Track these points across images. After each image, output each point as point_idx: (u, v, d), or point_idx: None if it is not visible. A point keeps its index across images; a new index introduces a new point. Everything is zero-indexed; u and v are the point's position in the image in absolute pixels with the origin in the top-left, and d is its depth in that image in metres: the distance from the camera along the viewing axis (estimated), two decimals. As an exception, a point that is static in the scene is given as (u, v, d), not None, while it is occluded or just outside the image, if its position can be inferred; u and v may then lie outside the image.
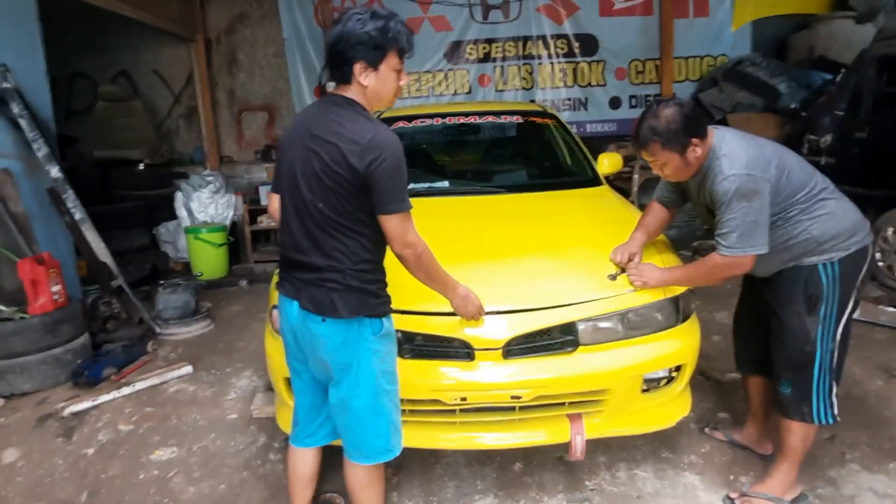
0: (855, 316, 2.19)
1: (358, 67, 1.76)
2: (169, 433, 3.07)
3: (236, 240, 6.66)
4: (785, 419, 2.28)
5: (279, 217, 1.96)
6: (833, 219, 2.13)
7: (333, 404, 1.97)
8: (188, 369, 3.69)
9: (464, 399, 2.27)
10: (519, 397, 2.25)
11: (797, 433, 2.25)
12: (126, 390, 3.43)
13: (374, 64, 1.77)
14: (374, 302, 1.88)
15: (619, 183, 6.80)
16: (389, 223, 1.78)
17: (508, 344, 2.26)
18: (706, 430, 2.84)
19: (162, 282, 4.70)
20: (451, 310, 2.28)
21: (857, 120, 5.01)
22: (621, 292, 2.36)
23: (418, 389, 2.25)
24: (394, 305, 2.03)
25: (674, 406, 2.48)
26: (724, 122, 6.25)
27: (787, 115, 6.12)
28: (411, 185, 3.42)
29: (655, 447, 2.75)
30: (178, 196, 6.57)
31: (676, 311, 2.40)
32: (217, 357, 3.99)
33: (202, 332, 4.46)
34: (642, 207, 6.11)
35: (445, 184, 3.60)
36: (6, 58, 4.17)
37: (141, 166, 7.11)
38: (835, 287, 2.14)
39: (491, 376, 2.26)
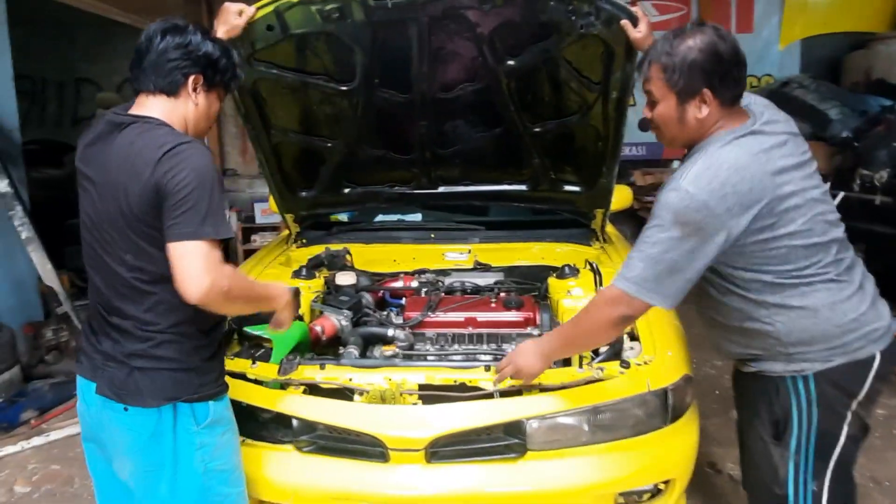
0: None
1: (192, 80, 1.48)
2: (65, 501, 2.62)
3: (227, 259, 6.26)
4: None
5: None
6: (811, 318, 1.49)
7: None
8: (115, 417, 3.25)
9: (374, 513, 1.74)
10: (445, 515, 1.72)
11: None
12: (37, 440, 3.03)
13: (210, 83, 1.52)
14: (196, 381, 1.46)
15: (643, 213, 6.20)
16: (182, 254, 1.33)
17: (434, 444, 1.73)
18: (708, 548, 2.24)
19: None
20: (363, 387, 1.81)
21: (920, 154, 4.32)
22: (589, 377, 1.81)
23: (315, 498, 1.74)
24: (288, 379, 1.69)
25: (660, 529, 1.90)
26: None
27: (837, 144, 5.42)
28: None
29: (640, 570, 2.15)
30: (171, 211, 6.24)
31: (664, 407, 1.82)
32: (158, 401, 3.55)
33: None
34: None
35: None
36: (-41, 61, 3.88)
37: (139, 177, 6.84)
38: (810, 410, 1.53)
39: (409, 486, 1.73)
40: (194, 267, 1.32)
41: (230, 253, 6.34)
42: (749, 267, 1.50)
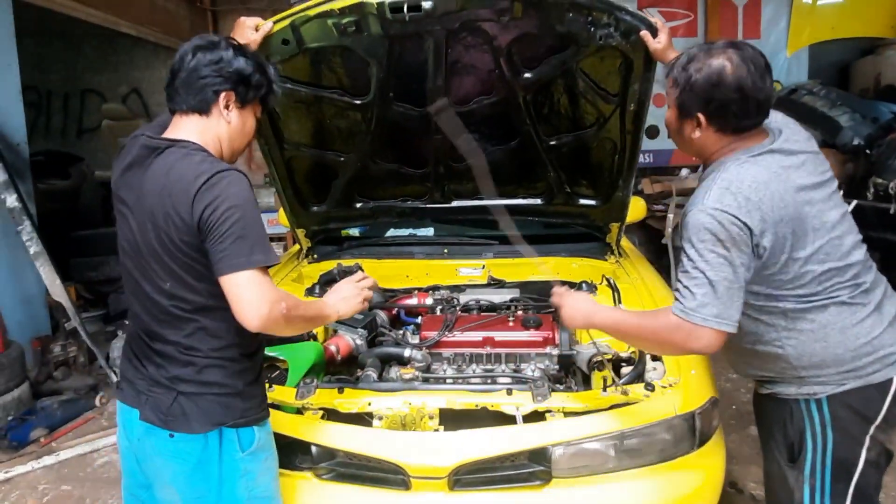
0: None
1: (224, 97, 1.45)
2: (76, 523, 2.58)
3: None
4: None
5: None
6: (821, 341, 1.46)
7: None
8: (125, 435, 3.21)
9: (394, 543, 1.69)
10: (468, 545, 1.67)
11: None
12: (48, 460, 2.99)
13: (243, 100, 1.48)
14: (241, 406, 1.43)
15: (652, 222, 6.14)
16: (237, 283, 1.30)
17: (457, 471, 1.68)
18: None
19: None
20: (383, 412, 1.77)
21: (935, 162, 4.26)
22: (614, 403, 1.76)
23: (334, 526, 1.70)
24: (305, 403, 1.66)
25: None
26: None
27: (848, 152, 5.36)
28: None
29: None
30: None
31: (692, 432, 1.77)
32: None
33: (165, 381, 4.00)
34: (677, 250, 5.48)
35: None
36: (-33, 75, 3.86)
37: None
38: (824, 434, 1.50)
39: (431, 515, 1.68)
40: (252, 296, 1.30)
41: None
42: (762, 291, 1.48)
